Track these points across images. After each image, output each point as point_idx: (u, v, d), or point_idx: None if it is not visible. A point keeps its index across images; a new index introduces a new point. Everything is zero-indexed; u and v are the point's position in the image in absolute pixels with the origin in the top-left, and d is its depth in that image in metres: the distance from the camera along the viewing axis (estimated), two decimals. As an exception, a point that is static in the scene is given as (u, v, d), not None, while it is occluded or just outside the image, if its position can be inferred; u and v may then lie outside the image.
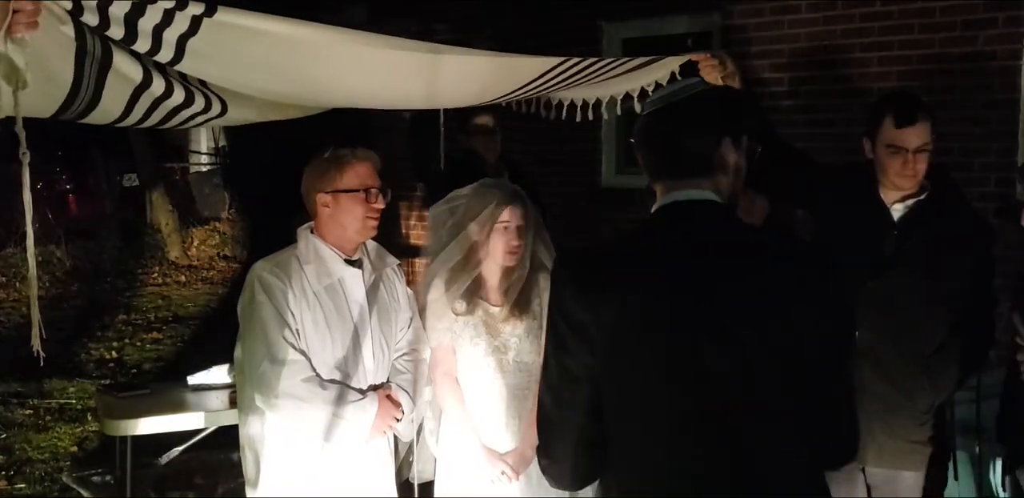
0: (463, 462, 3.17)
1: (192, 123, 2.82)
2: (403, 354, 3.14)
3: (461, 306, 3.17)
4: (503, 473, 3.10)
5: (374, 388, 3.03)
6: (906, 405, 3.05)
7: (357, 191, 2.95)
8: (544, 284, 3.22)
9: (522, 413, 3.17)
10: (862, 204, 3.11)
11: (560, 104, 3.40)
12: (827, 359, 1.80)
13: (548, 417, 1.86)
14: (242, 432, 3.06)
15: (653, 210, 1.86)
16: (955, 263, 3.02)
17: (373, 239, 3.12)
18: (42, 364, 2.16)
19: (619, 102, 3.33)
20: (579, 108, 3.37)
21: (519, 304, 3.17)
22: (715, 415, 1.73)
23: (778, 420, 1.76)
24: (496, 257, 3.15)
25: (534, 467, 3.16)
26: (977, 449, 3.31)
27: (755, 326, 1.73)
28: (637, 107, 3.28)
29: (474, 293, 3.19)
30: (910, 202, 3.09)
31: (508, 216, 3.12)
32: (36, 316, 2.05)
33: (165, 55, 2.25)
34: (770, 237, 1.96)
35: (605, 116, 3.39)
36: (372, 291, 3.05)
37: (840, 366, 1.84)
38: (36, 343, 2.05)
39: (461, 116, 4.47)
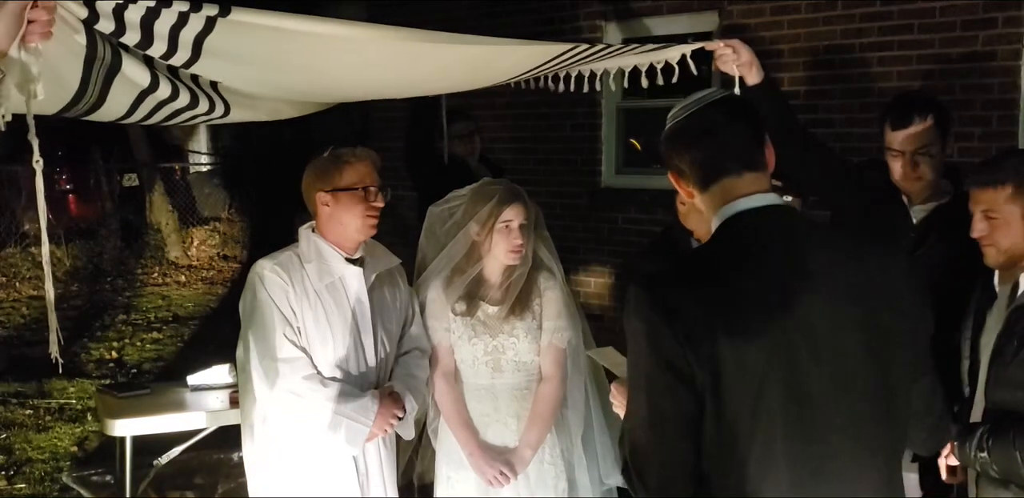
0: (461, 462, 3.17)
1: (193, 122, 2.86)
2: (404, 353, 3.14)
3: (461, 306, 3.17)
4: (501, 473, 3.10)
5: (376, 387, 3.03)
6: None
7: (356, 189, 2.96)
8: (544, 284, 3.21)
9: (521, 413, 3.17)
10: (885, 205, 3.08)
11: (568, 76, 3.38)
12: (921, 353, 1.85)
13: (647, 453, 1.77)
14: (244, 430, 3.07)
15: (720, 222, 1.81)
16: (972, 268, 2.99)
17: (374, 238, 3.12)
18: (60, 371, 2.16)
19: (626, 75, 3.29)
20: (586, 79, 3.34)
21: (519, 304, 3.17)
22: (831, 423, 1.72)
23: (888, 419, 1.78)
24: (498, 256, 3.14)
25: (532, 466, 3.16)
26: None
27: (865, 329, 1.74)
28: (644, 82, 3.24)
29: (473, 293, 3.18)
30: (931, 205, 3.05)
31: (510, 215, 3.12)
32: (53, 323, 2.05)
33: (181, 56, 2.27)
34: (851, 237, 1.95)
35: (612, 87, 3.35)
36: (373, 290, 3.06)
37: (928, 358, 1.88)
38: (54, 350, 2.06)
39: (438, 122, 4.50)
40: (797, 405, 1.70)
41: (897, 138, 2.97)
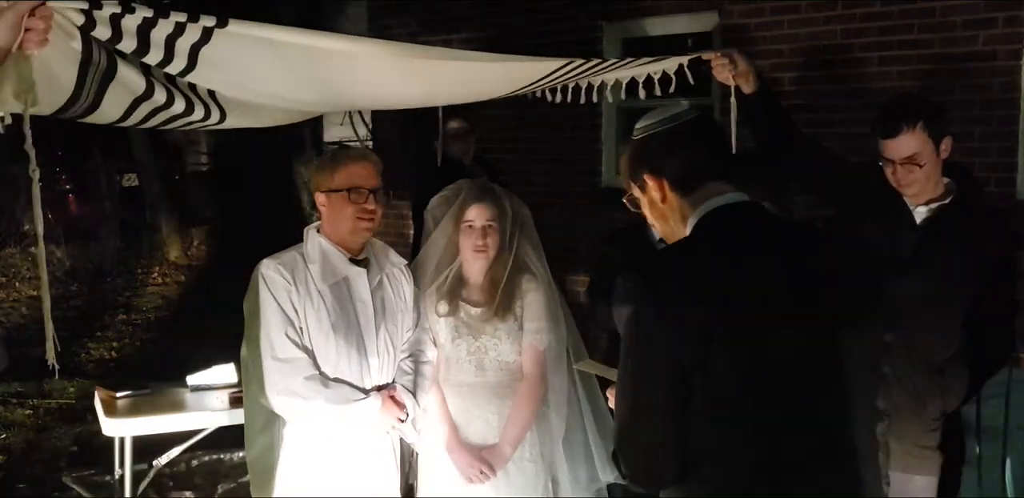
0: (443, 460, 3.18)
1: (189, 128, 2.86)
2: (408, 355, 3.14)
3: (443, 307, 3.19)
4: (481, 472, 3.11)
5: (379, 388, 3.02)
6: (916, 410, 3.02)
7: (343, 191, 2.95)
8: (527, 286, 3.22)
9: (502, 410, 3.19)
10: (886, 206, 3.07)
11: (565, 88, 3.39)
12: (873, 340, 1.93)
13: (633, 434, 1.84)
14: (247, 431, 3.06)
15: (698, 218, 1.89)
16: (975, 268, 2.96)
17: (379, 239, 3.13)
18: (56, 376, 2.17)
19: (623, 87, 3.31)
20: (583, 91, 3.36)
21: (501, 305, 3.18)
22: (808, 406, 1.80)
23: (856, 403, 1.85)
24: (464, 255, 3.18)
25: (512, 464, 3.18)
26: (977, 449, 3.30)
27: (836, 318, 1.83)
28: (641, 93, 3.26)
29: (456, 294, 3.20)
30: (934, 206, 3.02)
31: (472, 215, 3.15)
32: (50, 330, 2.06)
33: (178, 65, 2.27)
34: (813, 231, 2.08)
35: (609, 99, 3.38)
36: (377, 291, 3.05)
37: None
38: (51, 357, 2.07)
39: (435, 123, 4.50)
40: (784, 384, 1.78)
41: (886, 147, 2.96)
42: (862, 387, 1.86)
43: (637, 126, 2.00)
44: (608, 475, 3.32)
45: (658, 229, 2.02)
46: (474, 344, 3.17)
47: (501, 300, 3.17)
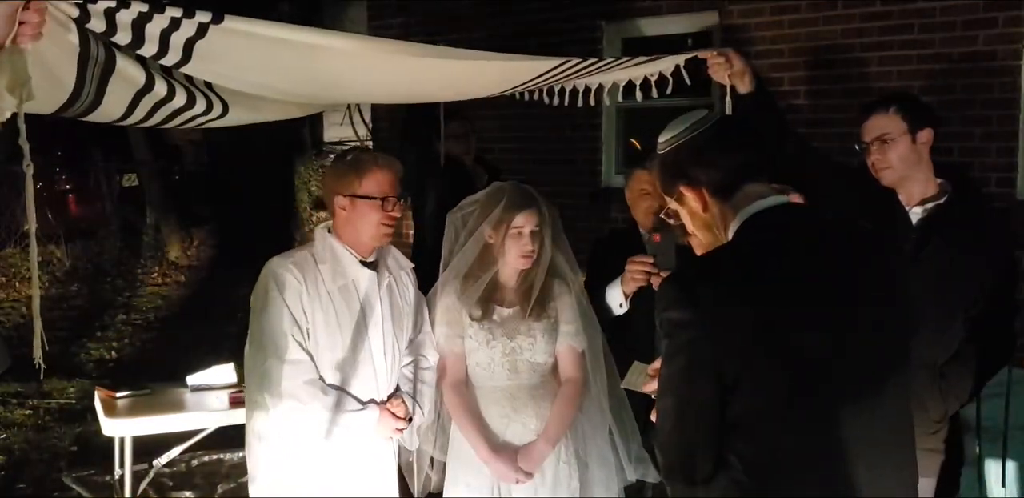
0: (475, 472, 3.14)
1: (193, 124, 2.84)
2: (411, 361, 3.13)
3: (476, 312, 3.14)
4: (518, 482, 3.09)
5: (383, 391, 3.01)
6: (916, 413, 3.01)
7: (375, 199, 2.94)
8: (558, 289, 3.20)
9: (539, 412, 3.15)
10: (882, 207, 3.07)
11: (563, 90, 3.38)
12: (910, 338, 1.94)
13: (671, 434, 1.86)
14: (248, 429, 3.06)
15: (739, 223, 1.87)
16: (974, 269, 2.96)
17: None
18: (42, 377, 2.17)
19: (620, 89, 3.31)
20: (581, 94, 3.35)
21: (535, 307, 3.15)
22: (851, 413, 1.80)
23: (898, 410, 1.89)
24: (509, 261, 3.13)
25: (549, 466, 3.15)
26: (977, 449, 3.30)
27: (883, 322, 1.84)
28: (638, 96, 3.26)
29: (488, 297, 3.16)
30: (930, 206, 3.03)
31: (521, 221, 3.10)
32: (38, 328, 2.06)
33: (172, 58, 2.27)
34: (858, 229, 2.04)
35: (607, 102, 3.37)
36: (386, 294, 3.04)
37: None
38: (38, 356, 2.07)
39: (436, 123, 4.48)
40: (827, 391, 1.78)
41: (862, 131, 3.03)
42: (904, 393, 1.88)
43: (661, 139, 1.97)
44: (632, 474, 3.31)
45: (702, 239, 1.99)
46: (509, 345, 3.13)
47: (536, 302, 3.14)
